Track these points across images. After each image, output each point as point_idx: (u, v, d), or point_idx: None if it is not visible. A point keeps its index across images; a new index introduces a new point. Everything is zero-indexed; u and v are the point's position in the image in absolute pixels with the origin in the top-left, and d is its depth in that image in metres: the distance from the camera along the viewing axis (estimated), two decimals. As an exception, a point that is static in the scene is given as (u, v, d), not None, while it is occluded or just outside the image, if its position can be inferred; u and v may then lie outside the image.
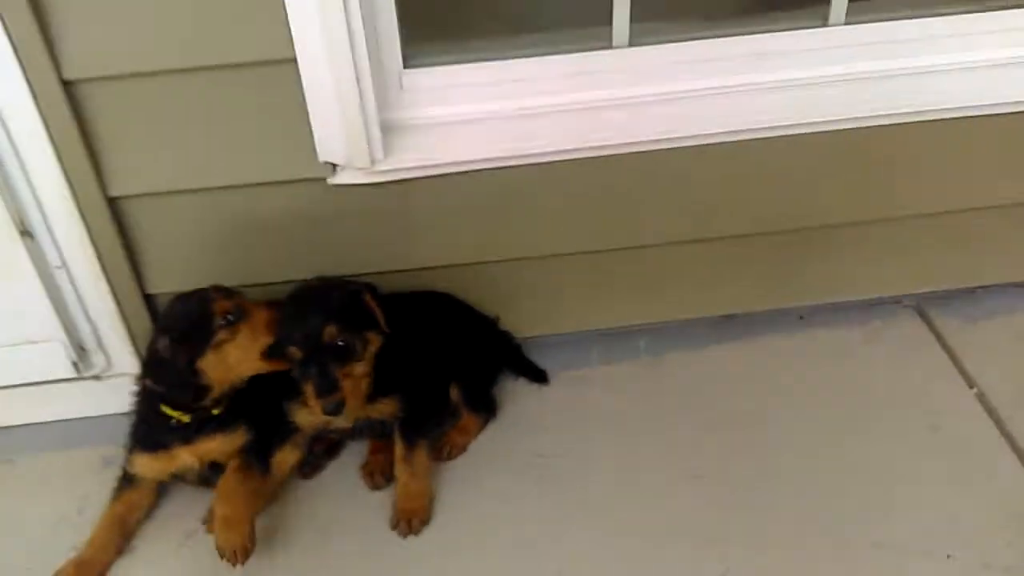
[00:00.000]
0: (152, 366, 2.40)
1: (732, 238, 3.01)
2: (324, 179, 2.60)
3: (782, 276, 3.19)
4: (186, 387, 2.37)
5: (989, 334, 3.20)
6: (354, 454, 2.84)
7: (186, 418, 2.46)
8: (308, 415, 2.56)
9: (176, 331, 2.37)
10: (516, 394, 3.04)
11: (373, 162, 2.51)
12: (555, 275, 3.02)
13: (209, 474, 2.56)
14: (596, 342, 3.23)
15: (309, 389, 2.37)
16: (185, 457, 2.50)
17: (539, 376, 3.06)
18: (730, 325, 3.30)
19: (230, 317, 2.38)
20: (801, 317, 3.33)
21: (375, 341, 2.45)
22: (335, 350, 2.36)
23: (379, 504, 2.65)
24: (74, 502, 2.69)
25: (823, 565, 2.43)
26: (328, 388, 2.33)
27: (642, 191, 2.82)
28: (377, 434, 2.72)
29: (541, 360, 3.12)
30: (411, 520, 2.52)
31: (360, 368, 2.41)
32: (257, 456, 2.55)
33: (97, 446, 2.86)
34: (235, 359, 2.40)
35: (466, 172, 2.64)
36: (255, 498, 2.47)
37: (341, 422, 2.56)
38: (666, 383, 3.08)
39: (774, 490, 2.64)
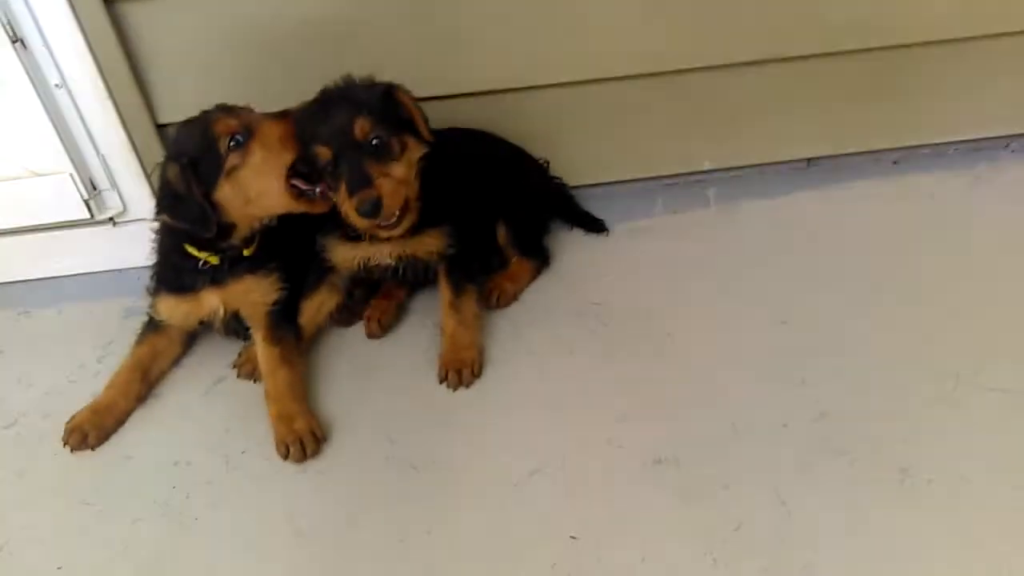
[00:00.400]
0: (166, 200, 2.11)
1: (816, 58, 2.63)
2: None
3: (870, 112, 2.80)
4: (206, 222, 2.08)
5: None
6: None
7: (214, 259, 2.19)
8: (346, 250, 2.28)
9: (184, 158, 2.07)
10: (572, 243, 2.73)
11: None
12: (611, 108, 2.68)
13: (236, 325, 2.32)
14: (660, 191, 2.91)
15: (342, 191, 2.05)
16: (213, 301, 2.23)
17: (596, 225, 2.74)
18: (813, 171, 2.94)
19: (239, 138, 2.07)
20: (895, 162, 2.94)
21: (415, 148, 2.13)
22: (369, 147, 2.04)
23: (428, 357, 2.36)
24: (95, 351, 2.47)
25: (929, 409, 2.06)
26: (361, 182, 2.01)
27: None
28: (420, 278, 2.41)
29: (599, 211, 2.80)
30: (460, 371, 2.23)
31: (399, 170, 2.08)
32: (286, 317, 2.28)
33: (119, 297, 2.64)
34: (255, 186, 2.10)
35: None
36: (300, 378, 2.23)
37: (383, 256, 2.27)
38: (740, 232, 2.73)
39: (874, 338, 2.29)
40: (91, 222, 2.56)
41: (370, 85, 2.12)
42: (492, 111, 2.63)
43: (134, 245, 2.57)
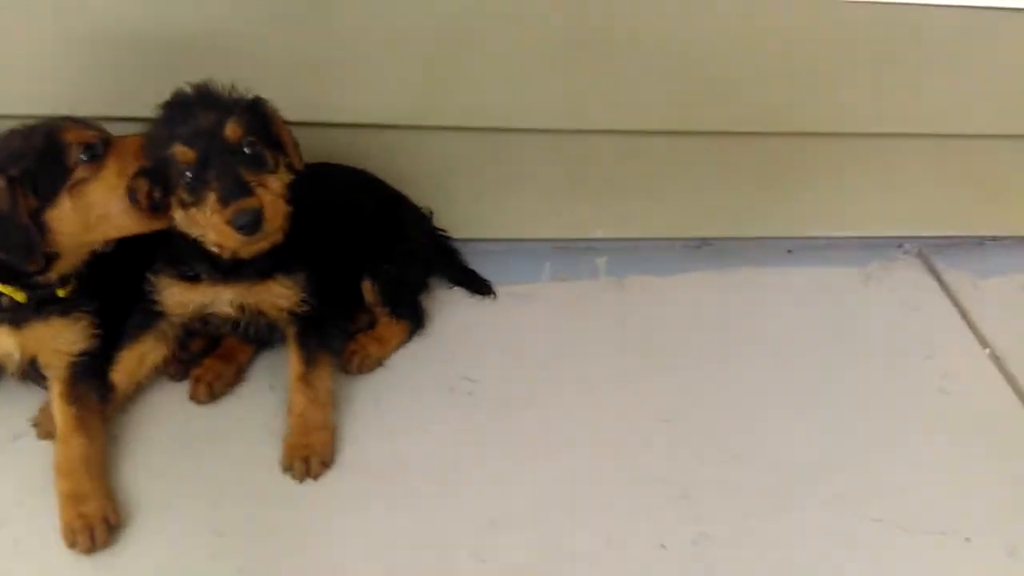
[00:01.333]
0: None
1: (722, 135, 2.51)
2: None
3: (770, 198, 2.71)
4: (30, 250, 1.70)
5: (1002, 291, 2.75)
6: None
7: (21, 296, 1.80)
8: (181, 292, 1.93)
9: (16, 169, 1.69)
10: (449, 305, 2.47)
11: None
12: (507, 161, 2.45)
13: (32, 372, 1.92)
14: (549, 255, 2.70)
15: (208, 201, 1.70)
16: (6, 343, 1.84)
17: (481, 287, 2.49)
18: (707, 251, 2.81)
19: (94, 150, 1.75)
20: (790, 251, 2.85)
21: (284, 174, 1.82)
22: (242, 153, 1.73)
23: (271, 429, 2.02)
24: None
25: (813, 539, 1.92)
26: (238, 190, 1.68)
27: (625, 49, 2.26)
28: (265, 337, 2.08)
29: (483, 270, 2.56)
30: (308, 458, 1.90)
31: (276, 183, 1.76)
32: (92, 371, 1.90)
33: None
34: (101, 205, 1.76)
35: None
36: (99, 449, 1.85)
37: (223, 304, 1.94)
38: (627, 308, 2.55)
39: (760, 449, 2.13)
40: None
41: (235, 95, 1.82)
42: (370, 147, 2.35)
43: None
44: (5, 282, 1.78)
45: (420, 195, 2.43)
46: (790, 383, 2.32)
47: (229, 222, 1.68)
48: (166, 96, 1.81)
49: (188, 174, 1.72)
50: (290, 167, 1.85)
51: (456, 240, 2.54)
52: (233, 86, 1.83)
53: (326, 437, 1.93)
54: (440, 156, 2.39)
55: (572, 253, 2.70)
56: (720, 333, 2.48)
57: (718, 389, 2.28)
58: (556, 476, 1.99)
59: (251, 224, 1.68)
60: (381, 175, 2.36)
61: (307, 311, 1.97)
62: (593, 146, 2.46)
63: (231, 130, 1.71)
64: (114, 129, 1.89)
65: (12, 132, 1.77)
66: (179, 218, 1.79)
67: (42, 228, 1.72)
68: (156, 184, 1.76)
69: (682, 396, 2.24)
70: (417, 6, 2.08)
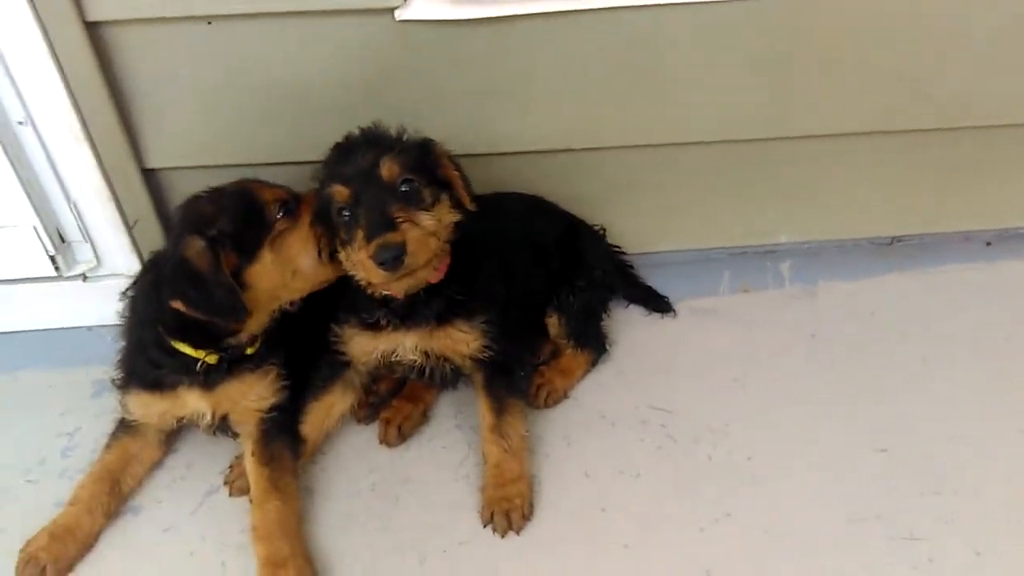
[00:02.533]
0: (181, 284, 1.66)
1: (911, 133, 2.27)
2: (391, 10, 1.85)
3: (967, 190, 2.45)
4: (236, 310, 1.66)
5: None
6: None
7: (214, 359, 1.78)
8: (365, 341, 1.87)
9: (214, 230, 1.66)
10: (628, 326, 2.34)
11: (466, -17, 1.74)
12: (685, 172, 2.29)
13: (226, 426, 1.91)
14: (726, 263, 2.52)
15: (358, 238, 1.65)
16: (197, 403, 1.83)
17: (660, 304, 2.35)
18: (897, 250, 2.58)
19: (289, 206, 1.73)
20: (989, 243, 2.57)
21: (449, 211, 1.73)
22: (396, 191, 1.65)
23: (463, 472, 1.96)
24: (58, 440, 2.04)
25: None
26: (382, 225, 1.61)
27: (825, 53, 2.06)
28: (450, 380, 2.01)
29: (658, 284, 2.41)
30: (509, 512, 1.82)
31: (429, 220, 1.67)
32: (283, 427, 1.88)
33: (86, 365, 2.20)
34: (297, 257, 1.74)
35: (596, 10, 1.87)
36: (295, 510, 1.81)
37: (407, 351, 1.87)
38: (821, 318, 2.36)
39: (977, 470, 1.93)
40: (58, 278, 2.09)
41: (402, 133, 1.74)
42: (541, 171, 2.24)
43: (108, 302, 2.12)
44: (199, 347, 1.76)
45: (592, 213, 2.32)
46: (1009, 394, 2.09)
47: (372, 257, 1.61)
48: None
49: (344, 213, 1.66)
50: (460, 206, 1.75)
51: (629, 255, 2.39)
52: (402, 126, 1.75)
53: (524, 488, 1.84)
54: (616, 174, 2.25)
55: (752, 259, 2.52)
56: (924, 341, 2.27)
57: (931, 408, 2.08)
58: (765, 514, 1.85)
59: (392, 260, 1.60)
60: (553, 197, 2.25)
61: (492, 356, 1.87)
62: (775, 151, 2.26)
63: (386, 168, 1.64)
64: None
65: (196, 197, 1.75)
66: (343, 259, 1.74)
67: (241, 286, 1.69)
68: (325, 228, 1.72)
69: (892, 419, 2.05)
70: (602, 30, 1.95)
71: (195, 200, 1.73)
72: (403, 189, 1.66)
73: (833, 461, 1.96)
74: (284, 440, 1.86)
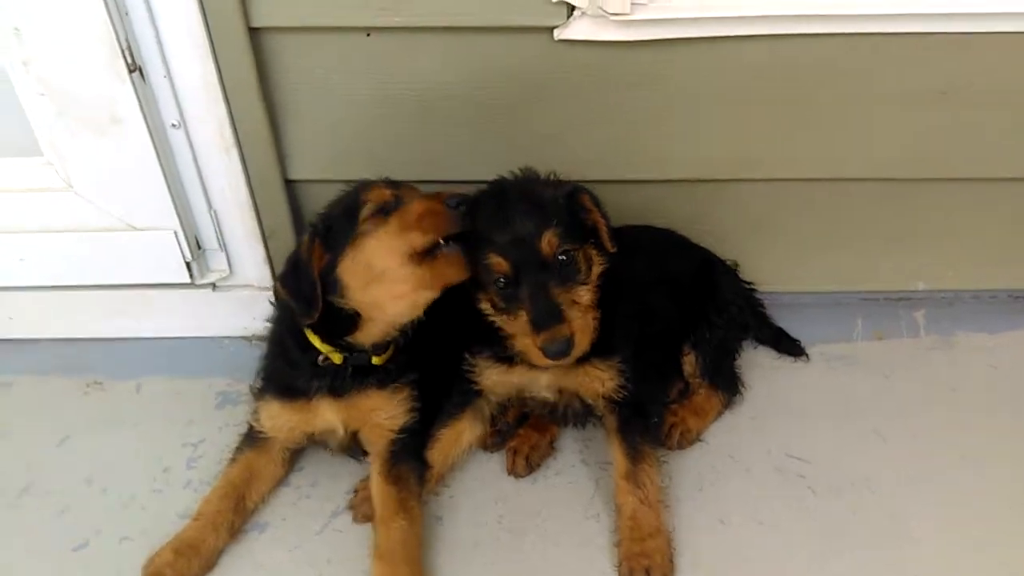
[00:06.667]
0: (286, 268, 1.72)
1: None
2: (550, 29, 1.81)
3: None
4: (311, 301, 1.65)
5: None
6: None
7: (337, 357, 1.75)
8: (500, 374, 1.82)
9: (322, 224, 1.70)
10: (758, 368, 2.24)
11: (632, 5, 1.69)
12: (826, 210, 2.21)
13: (353, 446, 1.89)
14: (859, 308, 2.41)
15: (520, 319, 1.62)
16: (329, 414, 1.80)
17: (791, 347, 2.26)
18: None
19: (386, 207, 1.68)
20: None
21: (597, 263, 1.70)
22: (555, 266, 1.61)
23: (591, 512, 1.88)
24: (183, 451, 2.01)
25: None
26: (550, 316, 1.58)
27: (995, 92, 1.96)
28: (579, 419, 1.96)
29: (788, 326, 2.31)
30: (648, 570, 1.71)
31: (586, 295, 1.66)
32: (412, 449, 1.83)
33: (210, 376, 2.18)
34: (378, 260, 1.66)
35: (765, 36, 1.81)
36: (417, 534, 1.76)
37: (540, 389, 1.82)
38: (960, 371, 2.24)
39: None
40: (189, 285, 2.09)
41: (554, 184, 1.71)
42: (678, 201, 2.18)
43: (235, 313, 2.16)
44: (324, 340, 1.74)
45: (723, 248, 2.23)
46: None
47: (540, 348, 1.59)
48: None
49: (501, 281, 1.64)
50: (602, 250, 1.71)
51: (760, 294, 2.30)
52: (553, 173, 1.73)
53: (662, 544, 1.74)
54: (754, 207, 2.18)
55: (884, 306, 2.41)
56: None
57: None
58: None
59: (562, 352, 1.59)
60: (685, 230, 2.18)
61: (627, 397, 1.80)
62: (923, 193, 2.17)
63: (547, 244, 1.60)
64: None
65: (339, 193, 1.74)
66: (488, 310, 1.71)
67: (337, 283, 1.67)
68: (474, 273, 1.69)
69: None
70: (768, 57, 1.88)
71: (336, 197, 1.75)
72: (561, 259, 1.62)
73: (988, 523, 1.83)
74: (412, 463, 1.81)
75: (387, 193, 1.69)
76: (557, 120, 1.97)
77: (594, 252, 1.70)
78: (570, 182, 1.73)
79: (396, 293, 1.69)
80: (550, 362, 1.62)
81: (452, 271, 1.66)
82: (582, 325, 1.61)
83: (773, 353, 2.28)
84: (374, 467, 1.81)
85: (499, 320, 1.69)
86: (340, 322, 1.71)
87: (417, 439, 1.85)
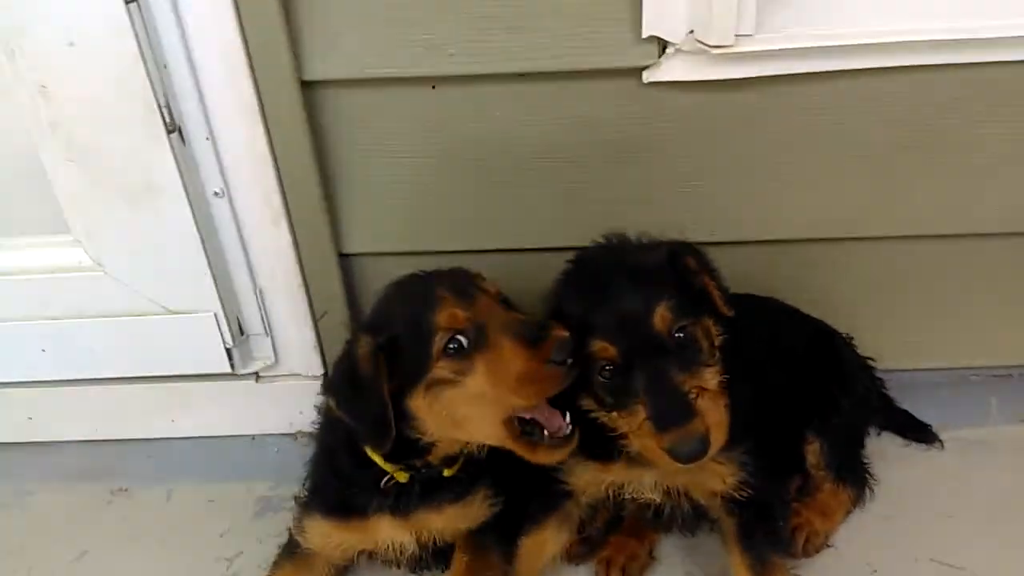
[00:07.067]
0: (342, 384, 1.43)
1: None
2: (639, 70, 1.60)
3: None
4: (381, 433, 1.38)
5: None
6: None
7: (403, 476, 1.50)
8: (593, 473, 1.54)
9: (384, 337, 1.39)
10: (883, 458, 1.93)
11: (736, 37, 1.47)
12: (947, 270, 1.93)
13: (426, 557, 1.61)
14: (991, 386, 2.10)
15: (637, 416, 1.33)
16: (391, 531, 1.55)
17: (920, 432, 1.97)
18: None
19: (461, 340, 1.37)
20: None
21: (715, 332, 1.42)
22: (673, 347, 1.33)
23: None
24: (216, 567, 1.75)
25: None
26: (678, 413, 1.29)
27: None
28: (688, 525, 1.68)
29: (912, 408, 2.02)
30: None
31: (714, 378, 1.37)
32: (499, 537, 1.59)
33: (249, 479, 1.94)
34: (463, 411, 1.39)
35: (901, 68, 1.58)
36: None
37: (644, 487, 1.53)
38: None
39: None
40: (229, 376, 1.84)
41: (652, 247, 1.46)
42: (781, 265, 1.92)
43: (279, 407, 1.91)
44: (387, 460, 1.48)
45: (832, 319, 1.94)
46: None
47: (668, 451, 1.30)
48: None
49: (607, 371, 1.36)
50: (717, 315, 1.44)
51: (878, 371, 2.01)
52: (645, 234, 1.48)
53: None
54: (870, 271, 1.92)
55: (1018, 383, 2.10)
56: None
57: None
58: None
59: (696, 453, 1.30)
60: (788, 298, 1.90)
61: (750, 496, 1.51)
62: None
63: (659, 320, 1.34)
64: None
65: (396, 284, 1.50)
66: (589, 406, 1.43)
67: (406, 414, 1.41)
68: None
69: None
70: (896, 94, 1.65)
71: (390, 289, 1.48)
72: (679, 337, 1.35)
73: None
74: (497, 548, 1.60)
75: (461, 317, 1.38)
76: (645, 177, 1.75)
77: (711, 324, 1.42)
78: (668, 241, 1.48)
79: (485, 435, 1.43)
80: (681, 466, 1.32)
81: (552, 387, 1.35)
82: (716, 419, 1.32)
83: (898, 440, 1.98)
84: (459, 562, 1.58)
85: (606, 419, 1.41)
86: (409, 445, 1.45)
87: (499, 521, 1.60)
